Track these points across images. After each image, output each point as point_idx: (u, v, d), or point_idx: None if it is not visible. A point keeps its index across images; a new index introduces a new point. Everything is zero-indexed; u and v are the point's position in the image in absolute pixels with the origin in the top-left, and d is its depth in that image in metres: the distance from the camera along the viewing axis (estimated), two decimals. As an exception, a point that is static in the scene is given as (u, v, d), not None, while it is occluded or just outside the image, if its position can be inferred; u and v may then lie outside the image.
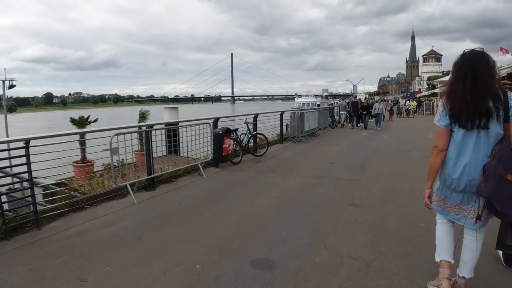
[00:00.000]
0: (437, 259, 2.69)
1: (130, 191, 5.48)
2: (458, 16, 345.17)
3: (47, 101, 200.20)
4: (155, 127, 6.37)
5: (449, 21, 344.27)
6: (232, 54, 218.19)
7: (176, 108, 23.19)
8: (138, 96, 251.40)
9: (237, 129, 9.22)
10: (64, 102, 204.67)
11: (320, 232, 3.98)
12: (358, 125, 18.92)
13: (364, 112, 17.34)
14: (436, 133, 2.59)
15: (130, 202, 5.33)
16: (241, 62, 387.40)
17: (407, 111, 25.71)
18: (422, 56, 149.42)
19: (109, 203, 5.34)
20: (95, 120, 14.06)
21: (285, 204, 5.13)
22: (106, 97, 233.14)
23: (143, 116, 15.18)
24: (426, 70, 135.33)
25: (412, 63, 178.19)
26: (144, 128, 6.26)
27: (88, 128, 11.41)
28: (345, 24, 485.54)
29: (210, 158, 7.74)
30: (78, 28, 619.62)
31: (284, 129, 13.86)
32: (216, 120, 8.27)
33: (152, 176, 6.12)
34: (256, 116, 10.25)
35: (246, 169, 7.87)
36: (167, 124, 7.67)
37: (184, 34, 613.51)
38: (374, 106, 17.45)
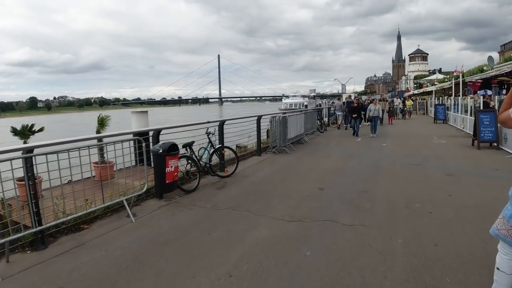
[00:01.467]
0: None
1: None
2: (444, 16, 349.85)
3: (32, 106, 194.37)
4: (36, 151, 3.89)
5: (435, 21, 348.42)
6: (219, 55, 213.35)
7: (145, 112, 20.55)
8: (124, 99, 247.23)
9: (193, 142, 6.81)
10: (48, 106, 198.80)
11: None
12: (346, 126, 17.09)
13: (354, 116, 14.14)
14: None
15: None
16: (229, 64, 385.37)
17: (403, 111, 22.90)
18: (409, 55, 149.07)
19: None
20: (41, 129, 11.59)
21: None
22: (92, 100, 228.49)
23: (102, 123, 12.99)
24: (412, 69, 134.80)
25: (398, 62, 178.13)
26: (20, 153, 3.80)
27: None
28: (333, 25, 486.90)
29: (144, 189, 5.27)
30: (64, 31, 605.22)
31: (265, 136, 11.52)
32: (156, 133, 5.82)
33: (37, 229, 3.67)
34: (222, 123, 7.82)
35: (200, 202, 5.45)
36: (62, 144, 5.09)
37: (172, 36, 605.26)
38: (369, 107, 14.14)
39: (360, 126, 14.34)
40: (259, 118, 9.92)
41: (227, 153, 7.87)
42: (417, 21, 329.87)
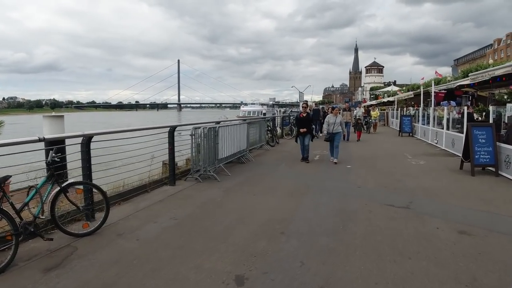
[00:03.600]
0: None
1: None
2: (400, 32, 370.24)
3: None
4: None
5: (391, 36, 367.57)
6: (178, 60, 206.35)
7: (61, 117, 17.00)
8: (78, 102, 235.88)
9: (6, 178, 3.47)
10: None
11: None
12: (317, 135, 14.48)
13: (303, 131, 9.47)
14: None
15: None
16: (190, 70, 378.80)
17: (367, 123, 18.97)
18: (365, 67, 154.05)
19: None
20: None
21: None
22: (43, 102, 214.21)
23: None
24: (368, 80, 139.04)
25: (355, 74, 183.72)
26: None
27: None
28: (294, 36, 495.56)
29: None
30: (19, 29, 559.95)
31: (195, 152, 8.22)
32: None
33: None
34: (87, 139, 4.46)
35: None
36: None
37: (133, 39, 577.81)
38: (326, 119, 9.73)
39: (307, 145, 9.41)
40: (172, 129, 6.62)
41: (92, 192, 4.48)
42: (374, 35, 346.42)
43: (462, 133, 10.31)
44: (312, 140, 9.63)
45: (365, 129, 18.56)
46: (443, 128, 12.37)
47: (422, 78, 19.29)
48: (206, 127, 7.13)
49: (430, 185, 6.63)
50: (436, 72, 21.51)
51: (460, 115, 11.77)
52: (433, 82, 15.56)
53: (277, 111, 33.16)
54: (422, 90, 16.85)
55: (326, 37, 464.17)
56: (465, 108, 10.16)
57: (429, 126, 14.25)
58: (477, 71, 24.28)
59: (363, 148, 12.57)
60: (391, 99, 28.87)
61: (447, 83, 17.42)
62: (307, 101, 16.47)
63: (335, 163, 8.95)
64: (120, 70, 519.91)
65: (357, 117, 16.50)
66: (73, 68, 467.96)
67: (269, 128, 13.53)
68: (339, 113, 10.38)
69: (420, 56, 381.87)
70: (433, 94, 15.07)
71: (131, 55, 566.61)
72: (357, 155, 10.84)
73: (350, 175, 7.66)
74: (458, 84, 16.31)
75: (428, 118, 15.09)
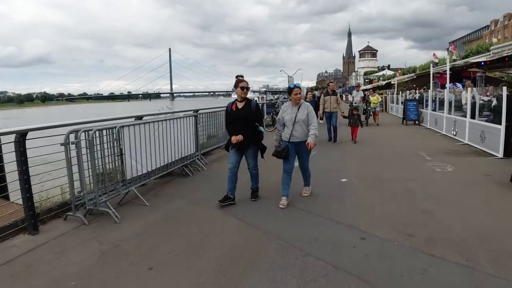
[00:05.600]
0: None
1: None
2: (393, 16, 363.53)
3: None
4: None
5: (385, 21, 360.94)
6: (170, 49, 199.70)
7: None
8: (69, 94, 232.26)
9: None
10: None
11: None
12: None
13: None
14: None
15: None
16: (183, 59, 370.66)
17: (365, 113, 13.76)
18: (359, 51, 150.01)
19: None
20: None
21: None
22: (34, 95, 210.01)
23: None
24: (362, 65, 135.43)
25: (348, 59, 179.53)
26: None
27: None
28: (287, 22, 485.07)
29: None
30: (8, 23, 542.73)
31: (81, 173, 5.16)
32: None
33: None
34: None
35: None
36: None
37: (123, 29, 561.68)
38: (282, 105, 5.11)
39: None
40: (20, 137, 3.60)
41: None
42: (368, 20, 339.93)
43: (497, 123, 7.45)
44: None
45: (362, 122, 11.75)
46: (464, 116, 9.49)
47: (434, 55, 16.27)
48: (94, 130, 4.08)
49: (485, 223, 3.72)
50: (434, 54, 18.82)
51: (489, 99, 8.86)
52: (447, 59, 12.51)
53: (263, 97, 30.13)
54: (432, 69, 13.91)
55: (319, 22, 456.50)
56: (505, 88, 7.24)
57: (442, 112, 11.32)
58: (478, 52, 21.45)
59: (363, 153, 9.44)
60: (391, 81, 25.81)
61: (455, 63, 14.48)
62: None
63: (305, 195, 4.84)
64: (111, 61, 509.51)
65: (355, 104, 12.25)
66: (64, 61, 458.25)
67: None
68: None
69: (413, 40, 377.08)
70: (448, 74, 12.10)
71: (122, 45, 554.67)
72: (355, 168, 7.89)
73: (343, 204, 4.70)
74: (474, 61, 13.40)
75: (439, 102, 12.20)
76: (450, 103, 10.60)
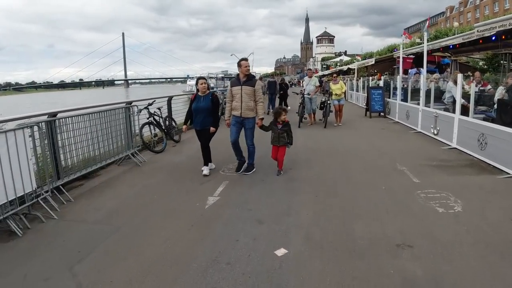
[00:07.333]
0: None
1: None
2: (351, 3, 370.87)
3: None
4: None
5: (342, 7, 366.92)
6: (123, 33, 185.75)
7: None
8: (17, 83, 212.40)
9: None
10: None
11: None
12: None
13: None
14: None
15: None
16: (138, 44, 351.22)
17: (324, 107, 10.21)
18: (316, 37, 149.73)
19: None
20: None
21: None
22: None
23: None
24: (320, 51, 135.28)
25: (306, 44, 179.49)
26: None
27: None
28: (246, 6, 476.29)
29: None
30: None
31: None
32: None
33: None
34: None
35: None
36: None
37: (74, 11, 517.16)
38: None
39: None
40: None
41: None
42: (325, 6, 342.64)
43: (506, 124, 5.26)
44: None
45: (322, 117, 10.39)
46: (448, 110, 7.32)
47: (404, 33, 14.12)
48: None
49: None
50: (405, 32, 17.00)
51: (484, 89, 6.70)
52: (425, 39, 10.28)
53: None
54: (402, 51, 11.79)
55: (278, 7, 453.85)
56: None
57: (416, 104, 9.15)
58: (436, 37, 20.05)
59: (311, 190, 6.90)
60: (350, 66, 23.78)
61: (423, 44, 12.50)
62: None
63: None
64: (62, 46, 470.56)
65: (305, 94, 10.04)
66: (12, 46, 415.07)
67: (154, 118, 7.49)
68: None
69: (369, 27, 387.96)
70: (425, 57, 9.95)
71: (73, 29, 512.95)
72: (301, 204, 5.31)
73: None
74: (447, 43, 11.41)
75: (405, 91, 10.10)
76: (430, 93, 8.37)
